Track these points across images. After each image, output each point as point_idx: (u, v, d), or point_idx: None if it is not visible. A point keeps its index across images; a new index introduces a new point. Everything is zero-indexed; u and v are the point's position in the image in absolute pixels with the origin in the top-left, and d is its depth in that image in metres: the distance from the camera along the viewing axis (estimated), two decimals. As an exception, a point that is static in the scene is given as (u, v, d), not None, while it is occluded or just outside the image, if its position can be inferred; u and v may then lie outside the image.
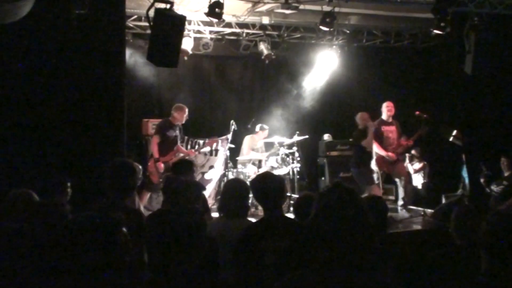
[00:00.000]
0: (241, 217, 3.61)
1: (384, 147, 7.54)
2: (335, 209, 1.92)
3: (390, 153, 7.51)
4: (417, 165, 9.13)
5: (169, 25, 5.73)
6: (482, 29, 7.42)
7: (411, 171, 8.97)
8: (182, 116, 7.37)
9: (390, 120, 7.66)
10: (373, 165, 7.59)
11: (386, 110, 7.66)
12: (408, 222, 7.01)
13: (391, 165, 7.56)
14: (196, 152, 8.02)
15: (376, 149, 7.51)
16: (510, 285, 2.10)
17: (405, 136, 7.86)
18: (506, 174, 7.47)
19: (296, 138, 8.39)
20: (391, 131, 7.64)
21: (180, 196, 3.73)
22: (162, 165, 7.10)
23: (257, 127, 8.68)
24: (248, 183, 4.00)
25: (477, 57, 7.38)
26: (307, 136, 8.50)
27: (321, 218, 1.94)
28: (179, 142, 7.51)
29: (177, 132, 7.41)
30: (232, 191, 3.68)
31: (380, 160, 7.56)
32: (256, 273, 2.97)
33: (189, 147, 8.40)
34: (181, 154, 7.42)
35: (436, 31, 7.37)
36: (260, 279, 2.93)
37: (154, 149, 7.18)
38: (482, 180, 7.34)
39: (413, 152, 8.97)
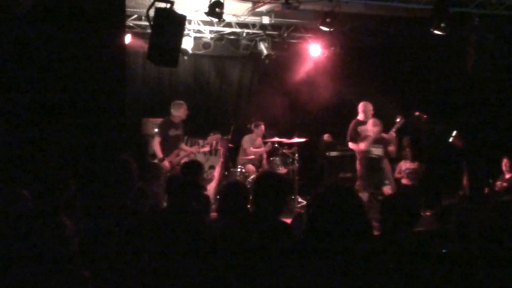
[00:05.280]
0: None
1: None
2: (332, 210, 1.92)
3: None
4: (410, 164, 8.85)
5: (169, 24, 5.72)
6: (483, 30, 7.42)
7: (403, 168, 8.74)
8: (181, 112, 7.17)
9: (367, 120, 7.57)
10: (358, 165, 7.52)
11: (364, 111, 7.55)
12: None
13: None
14: (199, 149, 7.69)
15: (356, 149, 7.43)
16: None
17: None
18: (507, 175, 7.45)
19: (296, 139, 8.39)
20: (367, 130, 7.57)
21: (180, 196, 3.75)
22: (167, 164, 6.91)
23: (252, 125, 8.69)
24: (247, 183, 4.00)
25: (478, 58, 7.38)
26: (307, 139, 8.50)
27: (318, 219, 1.94)
28: (183, 140, 7.38)
29: (180, 130, 7.22)
30: (232, 193, 3.68)
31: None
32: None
33: (189, 146, 8.37)
34: (183, 152, 7.26)
35: (436, 32, 7.36)
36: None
37: (156, 149, 7.02)
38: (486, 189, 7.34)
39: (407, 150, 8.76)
